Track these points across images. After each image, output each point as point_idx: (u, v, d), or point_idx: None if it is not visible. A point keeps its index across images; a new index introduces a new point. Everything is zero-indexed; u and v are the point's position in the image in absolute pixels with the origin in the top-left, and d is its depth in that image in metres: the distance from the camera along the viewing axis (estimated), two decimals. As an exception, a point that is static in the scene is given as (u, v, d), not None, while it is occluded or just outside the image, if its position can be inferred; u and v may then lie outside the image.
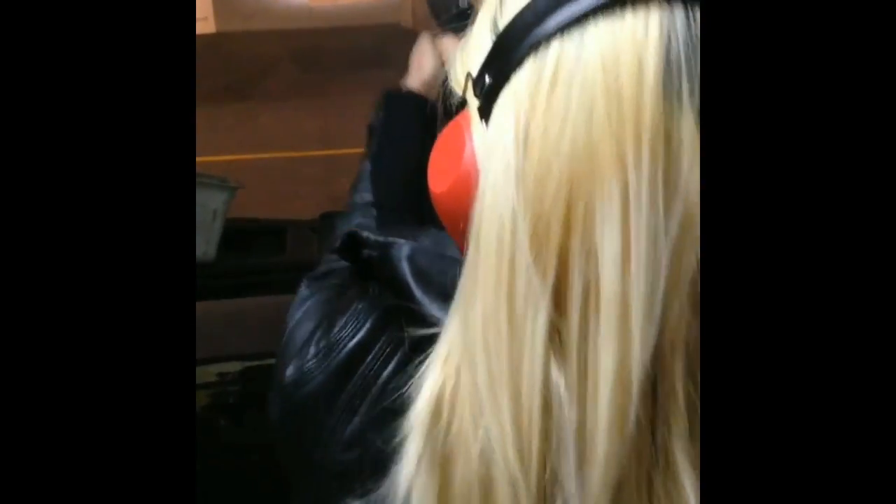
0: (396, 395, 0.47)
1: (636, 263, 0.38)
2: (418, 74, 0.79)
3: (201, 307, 1.21)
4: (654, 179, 0.37)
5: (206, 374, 1.35)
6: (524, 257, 0.40)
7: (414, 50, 0.82)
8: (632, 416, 0.39)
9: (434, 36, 0.80)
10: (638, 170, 0.37)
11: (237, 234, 1.49)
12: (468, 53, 0.47)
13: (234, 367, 1.36)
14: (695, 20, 0.38)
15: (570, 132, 0.38)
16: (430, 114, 0.76)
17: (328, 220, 1.47)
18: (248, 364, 1.36)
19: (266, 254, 1.52)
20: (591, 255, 0.39)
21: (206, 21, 7.16)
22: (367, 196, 0.74)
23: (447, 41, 0.79)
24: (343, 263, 0.59)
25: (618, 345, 0.39)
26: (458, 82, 0.47)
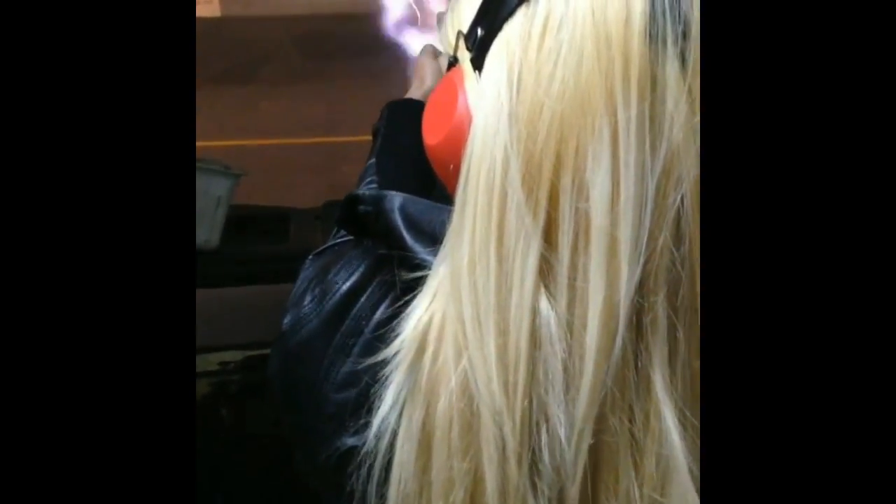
0: (387, 334, 0.48)
1: (625, 198, 0.40)
2: (420, 87, 0.81)
3: (203, 295, 1.21)
4: (641, 118, 0.40)
5: (207, 362, 1.35)
6: (516, 195, 0.41)
7: (415, 64, 0.84)
8: (618, 347, 0.41)
9: (435, 53, 0.82)
10: (626, 109, 0.40)
11: (240, 221, 1.48)
12: (458, 14, 0.49)
13: (235, 355, 1.36)
14: None
15: (561, 74, 0.41)
16: None
17: (332, 208, 1.46)
18: (249, 353, 1.36)
19: (269, 241, 1.51)
20: (581, 191, 0.41)
21: (210, 5, 7.14)
22: (372, 186, 0.74)
23: (446, 56, 0.79)
24: (344, 239, 0.61)
25: (607, 276, 0.41)
26: (449, 43, 0.50)
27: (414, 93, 0.81)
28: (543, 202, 0.41)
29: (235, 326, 1.32)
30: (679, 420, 0.42)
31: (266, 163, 3.86)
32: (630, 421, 0.43)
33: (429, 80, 0.80)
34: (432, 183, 0.51)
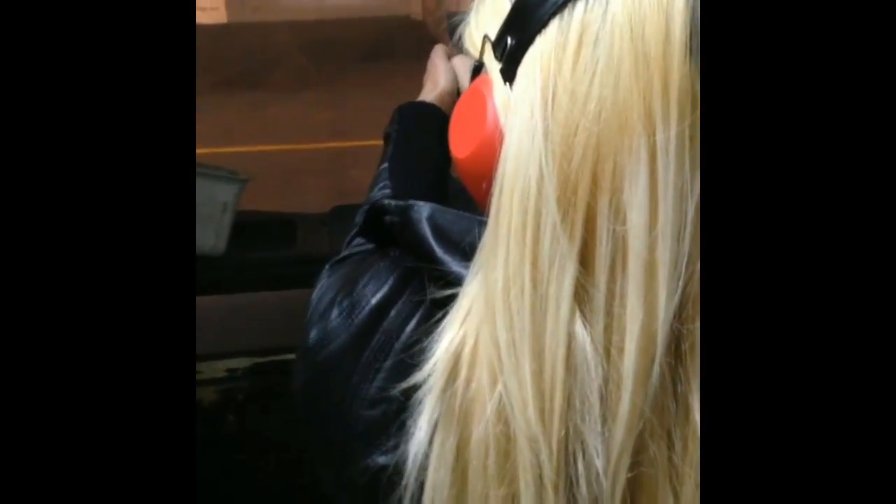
0: (419, 351, 0.47)
1: (664, 220, 0.39)
2: (433, 90, 0.79)
3: (210, 301, 1.21)
4: (681, 137, 0.38)
5: (214, 369, 1.34)
6: (552, 217, 0.40)
7: (428, 66, 0.82)
8: (655, 373, 0.40)
9: (448, 54, 0.80)
10: (666, 128, 0.38)
11: (247, 227, 1.48)
12: (483, 15, 0.48)
13: (242, 362, 1.35)
14: None
15: (598, 92, 0.39)
16: (445, 124, 0.76)
17: (339, 214, 1.46)
18: (257, 360, 1.35)
19: (276, 247, 1.51)
20: (618, 214, 0.39)
21: (216, 11, 7.18)
22: (386, 191, 0.73)
23: (461, 60, 0.79)
24: (364, 248, 0.59)
25: (645, 301, 0.40)
26: (475, 45, 0.48)
27: (427, 95, 0.79)
28: (579, 224, 0.40)
29: (242, 333, 1.32)
30: None
31: (273, 168, 3.87)
32: (669, 448, 0.42)
33: (442, 82, 0.79)
34: (445, 189, 0.50)
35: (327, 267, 0.59)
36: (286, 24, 7.15)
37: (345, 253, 0.61)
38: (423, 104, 0.78)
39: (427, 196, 0.53)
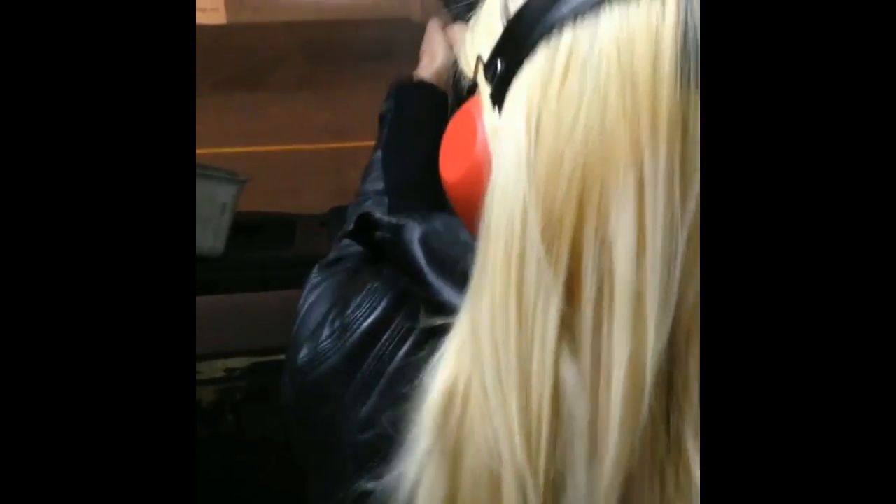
0: (411, 378, 0.47)
1: (652, 253, 0.37)
2: (430, 65, 0.77)
3: (209, 301, 1.21)
4: (670, 167, 0.37)
5: (213, 369, 1.34)
6: (535, 250, 0.39)
7: (424, 40, 0.80)
8: (645, 407, 0.39)
9: (444, 25, 0.78)
10: (654, 157, 0.37)
11: (245, 227, 1.48)
12: (478, 35, 0.46)
13: (241, 362, 1.35)
14: None
15: (584, 120, 0.38)
16: (443, 102, 0.74)
17: (338, 214, 1.46)
18: (255, 359, 1.35)
19: (274, 247, 1.51)
20: (605, 245, 0.38)
21: (216, 12, 7.17)
22: (378, 184, 0.72)
23: (457, 30, 0.77)
24: (354, 249, 0.59)
25: (632, 336, 0.38)
26: (469, 64, 0.47)
27: (423, 71, 0.77)
28: (564, 257, 0.39)
29: (241, 333, 1.32)
30: None
31: (272, 168, 3.86)
32: (661, 483, 0.41)
33: (439, 57, 0.76)
34: (439, 186, 0.49)
35: (316, 268, 0.59)
36: (286, 24, 7.14)
37: (334, 255, 0.61)
38: (421, 84, 0.76)
39: (421, 187, 0.52)
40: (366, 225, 0.53)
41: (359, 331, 0.51)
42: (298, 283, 0.59)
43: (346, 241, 0.61)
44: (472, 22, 0.48)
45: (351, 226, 0.56)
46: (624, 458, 0.39)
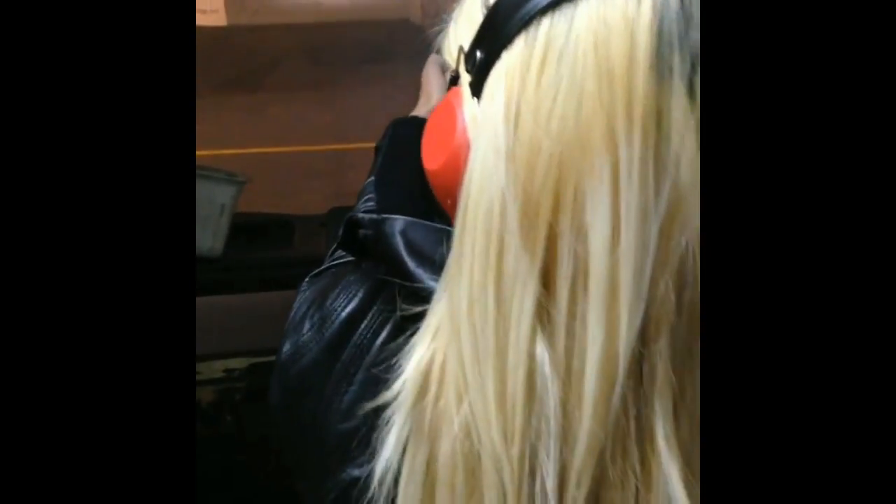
0: (390, 364, 0.47)
1: (626, 242, 0.38)
2: (426, 104, 0.78)
3: (207, 302, 1.21)
4: (644, 157, 0.37)
5: (212, 369, 1.34)
6: (513, 237, 0.40)
7: (421, 79, 0.81)
8: (617, 394, 0.39)
9: (441, 64, 0.79)
10: (629, 148, 0.37)
11: (245, 228, 1.49)
12: (460, 26, 0.47)
13: (240, 362, 1.36)
14: None
15: (561, 110, 0.38)
16: None
17: (337, 215, 1.46)
18: (254, 360, 1.35)
19: (274, 248, 1.51)
20: (580, 234, 0.39)
21: (216, 14, 7.18)
22: (370, 204, 0.73)
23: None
24: (344, 261, 0.59)
25: (606, 323, 0.39)
26: (452, 55, 0.48)
27: (420, 109, 0.78)
28: (541, 245, 0.39)
29: (240, 333, 1.32)
30: (683, 472, 0.40)
31: (272, 170, 3.87)
32: (632, 472, 0.41)
33: (436, 96, 0.77)
34: (432, 206, 0.50)
35: (307, 279, 0.59)
36: (285, 26, 7.15)
37: (324, 266, 0.61)
38: (416, 119, 0.77)
39: (412, 207, 0.52)
40: (352, 227, 0.53)
41: (337, 321, 0.51)
42: (297, 283, 0.59)
43: (339, 253, 0.61)
44: (455, 13, 0.48)
45: (340, 234, 0.56)
46: (594, 445, 0.40)
